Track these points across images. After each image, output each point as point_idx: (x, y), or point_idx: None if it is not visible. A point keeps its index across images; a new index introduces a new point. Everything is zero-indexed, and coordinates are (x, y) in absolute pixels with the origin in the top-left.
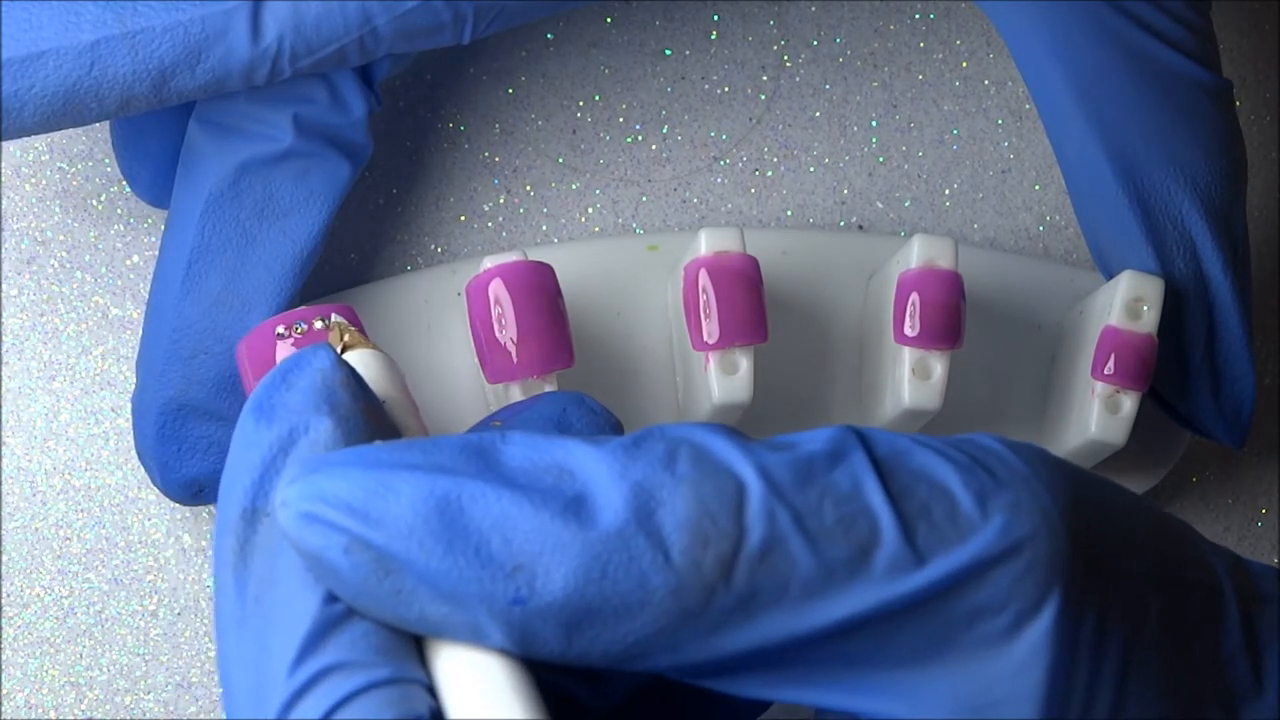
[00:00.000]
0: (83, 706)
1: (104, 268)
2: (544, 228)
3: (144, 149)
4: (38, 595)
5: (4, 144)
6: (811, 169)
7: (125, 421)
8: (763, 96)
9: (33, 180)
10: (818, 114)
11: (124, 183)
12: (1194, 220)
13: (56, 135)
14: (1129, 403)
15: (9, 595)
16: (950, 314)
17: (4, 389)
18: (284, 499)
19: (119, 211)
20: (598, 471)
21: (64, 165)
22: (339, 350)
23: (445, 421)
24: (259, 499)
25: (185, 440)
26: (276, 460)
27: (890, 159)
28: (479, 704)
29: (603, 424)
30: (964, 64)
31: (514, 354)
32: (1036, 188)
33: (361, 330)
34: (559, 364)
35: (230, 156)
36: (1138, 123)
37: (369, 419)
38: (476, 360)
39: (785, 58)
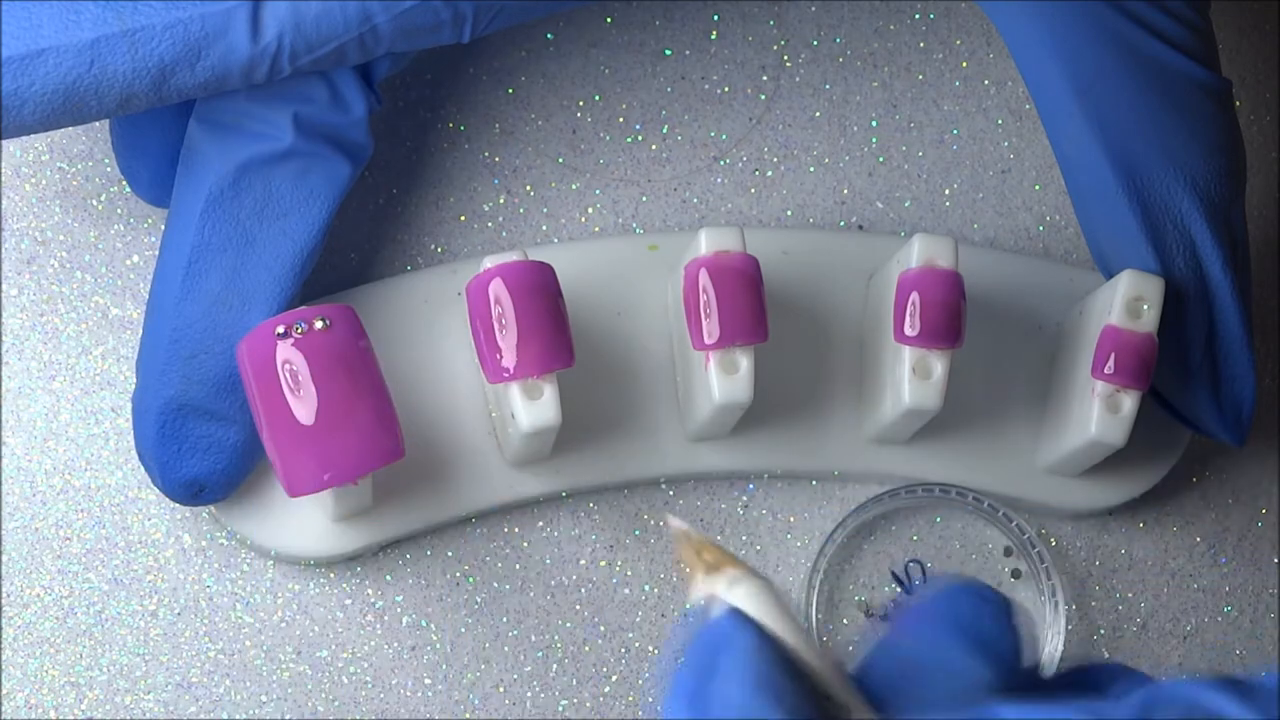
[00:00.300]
0: (83, 706)
1: (104, 268)
2: (544, 228)
3: (143, 148)
4: (38, 595)
5: (4, 143)
6: (811, 169)
7: (125, 421)
8: (763, 96)
9: (33, 180)
10: (818, 114)
11: (124, 183)
12: (1194, 219)
13: (56, 135)
14: (1129, 402)
15: (9, 595)
16: (951, 313)
17: (4, 389)
18: None
19: (119, 211)
20: None
21: (64, 165)
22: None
23: (445, 423)
24: None
25: (185, 440)
26: None
27: (890, 159)
28: None
29: (999, 612)
30: (964, 64)
31: (514, 354)
32: (1036, 188)
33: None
34: (559, 364)
35: (230, 156)
36: (1137, 122)
37: (809, 699)
38: (477, 360)
39: (785, 58)
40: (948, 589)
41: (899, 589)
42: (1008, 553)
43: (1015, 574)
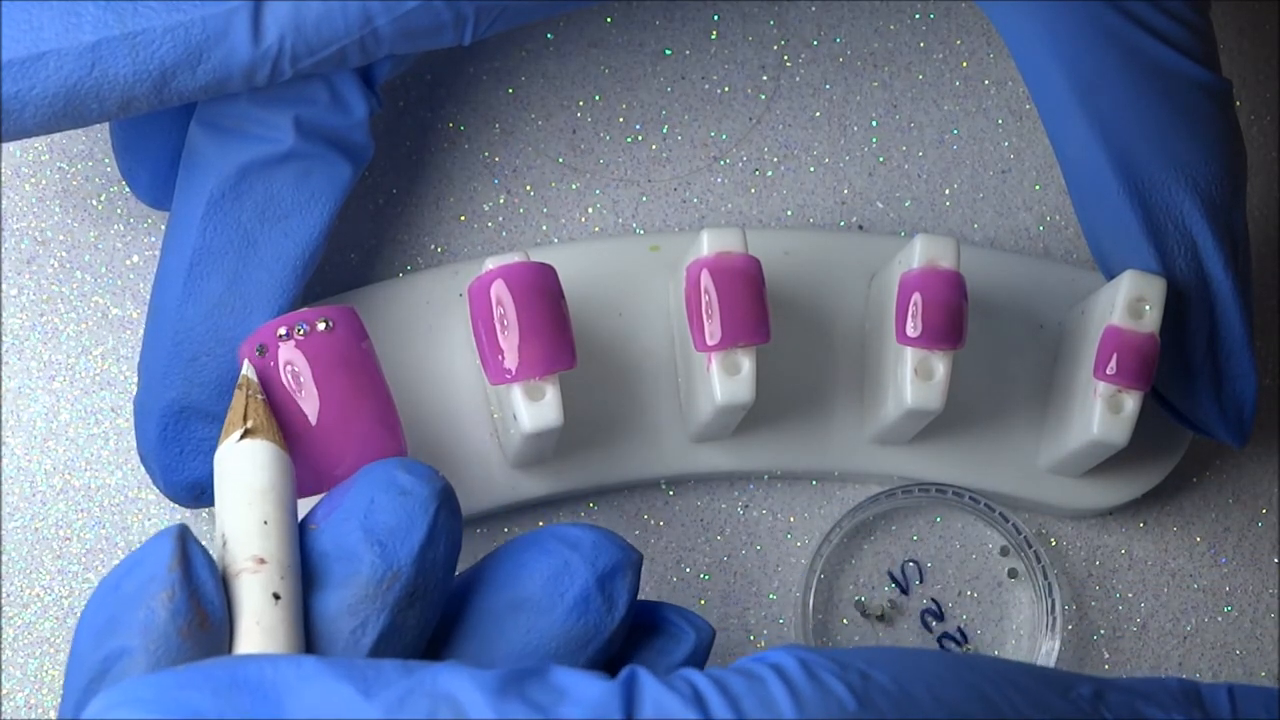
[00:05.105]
0: None
1: (104, 268)
2: (544, 228)
3: (144, 150)
4: (38, 595)
5: (4, 144)
6: (811, 169)
7: (125, 421)
8: (763, 96)
9: (33, 180)
10: (818, 114)
11: (124, 183)
12: (1195, 220)
13: (56, 135)
14: (1131, 402)
15: (9, 595)
16: (952, 314)
17: (4, 389)
18: None
19: (119, 211)
20: None
21: (64, 165)
22: None
23: (447, 424)
24: None
25: (187, 442)
26: None
27: (890, 159)
28: None
29: (414, 506)
30: (964, 64)
31: (516, 355)
32: (1036, 188)
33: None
34: (561, 365)
35: (231, 158)
36: (1138, 123)
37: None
38: (478, 361)
39: (785, 58)
40: (373, 473)
41: (897, 590)
42: (1004, 552)
43: (1012, 573)
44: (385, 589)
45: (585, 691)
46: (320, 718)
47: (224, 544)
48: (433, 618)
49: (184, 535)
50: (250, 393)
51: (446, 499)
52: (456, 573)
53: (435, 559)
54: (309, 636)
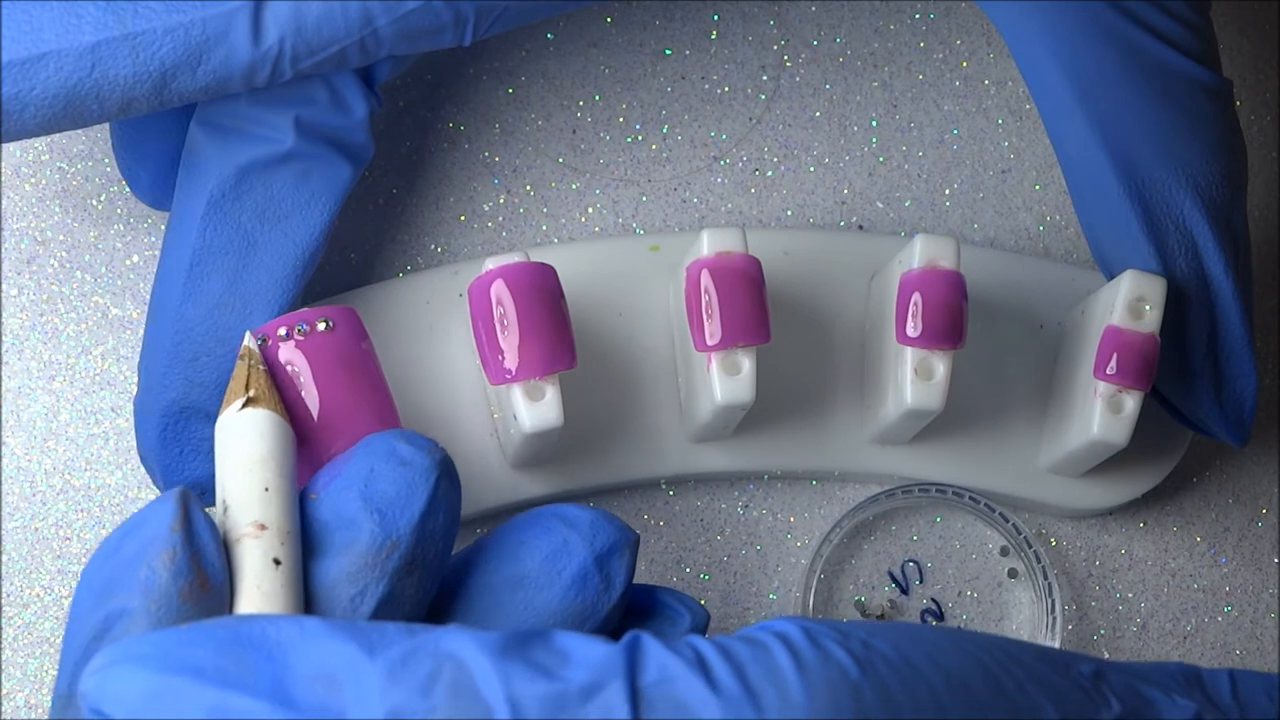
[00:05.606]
0: None
1: (104, 268)
2: (544, 228)
3: (144, 150)
4: (38, 595)
5: (4, 144)
6: (811, 169)
7: (125, 421)
8: (763, 96)
9: (33, 180)
10: (818, 114)
11: (124, 183)
12: (1195, 220)
13: (56, 135)
14: (1131, 402)
15: (9, 595)
16: (953, 314)
17: (4, 389)
18: (82, 690)
19: (119, 211)
20: (362, 689)
21: (64, 165)
22: None
23: (447, 424)
24: None
25: (188, 442)
26: None
27: (890, 159)
28: None
29: (414, 476)
30: (964, 64)
31: (516, 355)
32: (1036, 188)
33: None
34: (561, 365)
35: (231, 158)
36: (1138, 122)
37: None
38: (478, 361)
39: (785, 58)
40: (372, 444)
41: (897, 590)
42: (1004, 552)
43: (1012, 573)
44: (384, 557)
45: (588, 654)
46: (324, 674)
47: (225, 510)
48: (431, 587)
49: (186, 497)
50: (252, 363)
51: (446, 470)
52: (455, 553)
53: (434, 529)
54: (308, 603)
